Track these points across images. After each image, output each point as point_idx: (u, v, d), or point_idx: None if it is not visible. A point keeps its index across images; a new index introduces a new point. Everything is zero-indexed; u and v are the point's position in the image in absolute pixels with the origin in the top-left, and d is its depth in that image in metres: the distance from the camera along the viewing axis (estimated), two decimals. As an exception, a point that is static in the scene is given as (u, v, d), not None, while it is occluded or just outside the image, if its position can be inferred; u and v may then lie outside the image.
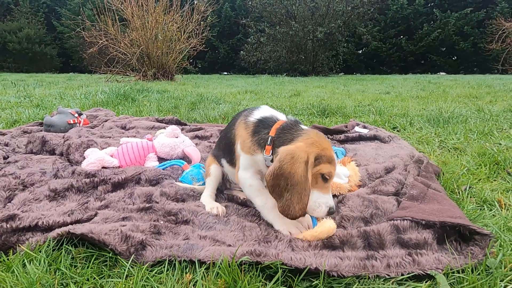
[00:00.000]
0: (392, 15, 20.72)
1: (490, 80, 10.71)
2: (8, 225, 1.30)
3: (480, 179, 1.99)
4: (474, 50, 19.26)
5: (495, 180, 1.98)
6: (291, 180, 1.24)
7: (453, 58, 20.66)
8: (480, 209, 1.60)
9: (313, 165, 1.28)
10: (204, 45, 12.22)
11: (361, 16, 16.11)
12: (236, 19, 21.11)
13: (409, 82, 9.97)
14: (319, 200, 1.31)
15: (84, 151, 2.28)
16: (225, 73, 22.45)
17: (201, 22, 11.87)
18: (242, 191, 1.66)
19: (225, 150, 1.69)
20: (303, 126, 1.44)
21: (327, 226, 1.24)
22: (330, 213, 1.31)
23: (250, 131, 1.48)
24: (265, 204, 1.44)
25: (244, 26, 18.74)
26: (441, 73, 18.98)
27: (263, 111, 1.54)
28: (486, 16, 18.85)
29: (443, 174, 2.04)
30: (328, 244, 1.22)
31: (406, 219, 1.29)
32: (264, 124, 1.47)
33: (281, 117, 1.50)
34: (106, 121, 3.38)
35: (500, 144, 2.68)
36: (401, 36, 20.83)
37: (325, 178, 1.31)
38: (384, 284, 1.07)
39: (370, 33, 18.57)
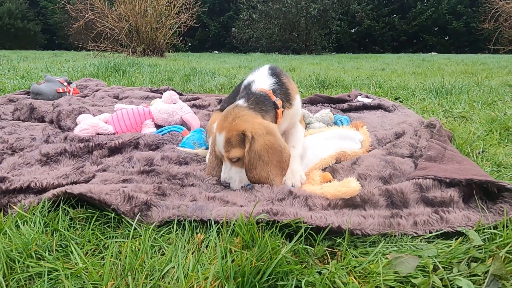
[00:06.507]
0: (386, -7, 20.41)
1: (483, 58, 10.67)
2: (-3, 187, 1.19)
3: (491, 144, 1.93)
4: (467, 29, 19.17)
5: (506, 145, 1.92)
6: None
7: (445, 38, 20.57)
8: (497, 172, 1.54)
9: None
10: (194, 21, 11.82)
11: (355, -8, 15.82)
12: (227, -5, 20.52)
13: (403, 60, 9.86)
14: None
15: (76, 117, 2.14)
16: (216, 51, 21.94)
17: (191, -4, 11.45)
18: None
19: (233, 99, 1.76)
20: (252, 90, 1.49)
21: (352, 187, 1.14)
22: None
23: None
24: None
25: (236, 2, 18.24)
26: (433, 52, 18.89)
27: (252, 76, 1.61)
28: (480, -6, 18.66)
29: (454, 140, 1.98)
30: (349, 203, 1.14)
31: (428, 178, 1.21)
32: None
33: (256, 82, 1.55)
34: (97, 90, 3.21)
35: (506, 113, 2.62)
36: (394, 15, 20.57)
37: None
38: (412, 242, 0.99)
39: (363, 11, 18.25)
